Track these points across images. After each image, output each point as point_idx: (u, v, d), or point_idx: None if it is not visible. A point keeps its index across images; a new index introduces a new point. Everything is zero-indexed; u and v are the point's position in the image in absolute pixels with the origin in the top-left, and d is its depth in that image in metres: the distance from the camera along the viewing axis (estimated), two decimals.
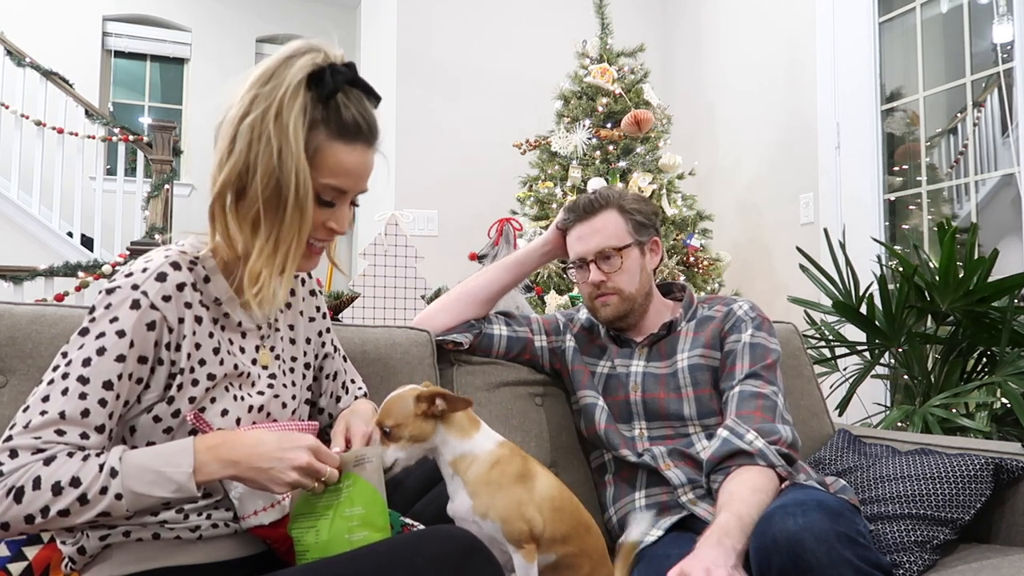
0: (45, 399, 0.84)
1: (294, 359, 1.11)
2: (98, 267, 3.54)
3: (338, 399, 1.23)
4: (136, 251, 3.58)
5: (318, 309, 1.19)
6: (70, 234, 4.47)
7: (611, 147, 3.03)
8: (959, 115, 2.92)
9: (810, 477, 1.28)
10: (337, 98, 0.93)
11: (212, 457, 0.86)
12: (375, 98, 0.99)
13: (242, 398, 0.99)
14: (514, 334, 1.53)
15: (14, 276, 3.52)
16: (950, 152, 3.00)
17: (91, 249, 4.43)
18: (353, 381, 1.26)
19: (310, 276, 1.18)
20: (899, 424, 2.07)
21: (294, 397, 1.08)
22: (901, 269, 2.15)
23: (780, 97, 3.48)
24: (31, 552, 1.00)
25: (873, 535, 1.28)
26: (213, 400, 0.95)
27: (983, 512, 1.36)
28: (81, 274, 3.52)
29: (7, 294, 3.49)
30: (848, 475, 1.47)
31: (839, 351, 2.45)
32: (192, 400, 0.94)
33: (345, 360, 1.26)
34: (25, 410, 0.84)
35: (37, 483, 0.80)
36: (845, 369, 2.47)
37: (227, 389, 0.97)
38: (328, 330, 1.21)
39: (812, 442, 1.67)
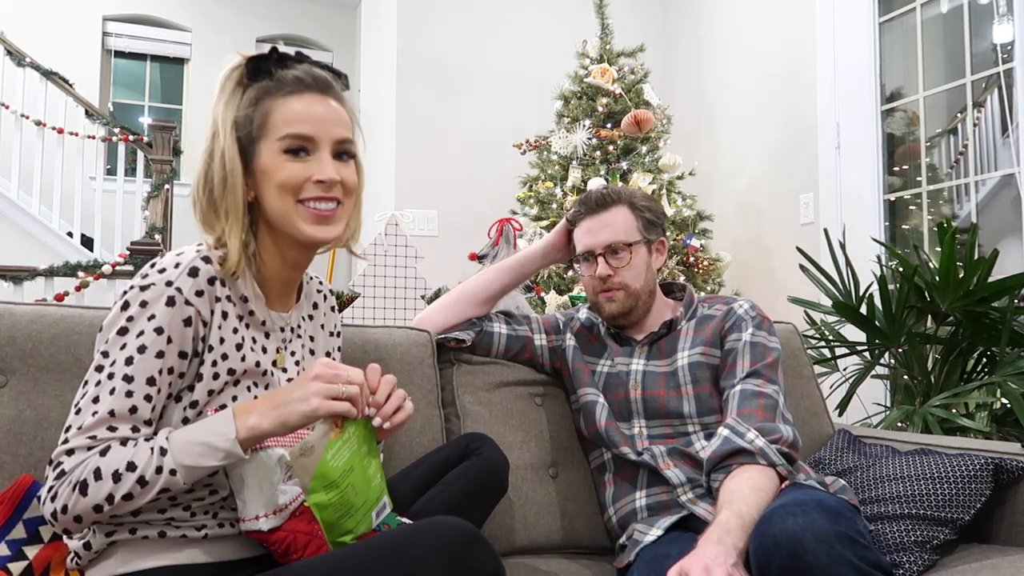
0: (95, 400, 0.89)
1: None
2: (98, 267, 3.54)
3: None
4: (136, 251, 3.58)
5: (335, 326, 1.21)
6: (70, 234, 4.47)
7: (611, 147, 3.03)
8: (959, 115, 2.92)
9: (810, 477, 1.28)
10: (276, 72, 0.99)
11: (248, 412, 0.90)
12: (337, 76, 1.05)
13: None
14: (514, 333, 1.54)
15: (14, 276, 3.51)
16: (950, 152, 3.00)
17: (91, 249, 4.42)
18: None
19: (332, 292, 1.21)
20: (899, 424, 2.07)
21: None
22: (901, 269, 2.15)
23: (780, 97, 3.48)
24: (31, 552, 1.00)
25: (873, 535, 1.28)
26: (234, 398, 0.97)
27: (983, 512, 1.36)
28: (81, 274, 3.51)
29: (7, 294, 3.48)
30: (848, 475, 1.47)
31: (839, 351, 2.44)
32: (210, 393, 0.95)
33: None
34: (78, 412, 0.89)
35: (98, 474, 0.85)
36: (845, 369, 2.47)
37: (248, 389, 0.99)
38: (339, 349, 1.23)
39: (812, 442, 1.67)
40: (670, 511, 1.30)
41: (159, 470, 0.85)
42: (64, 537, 0.96)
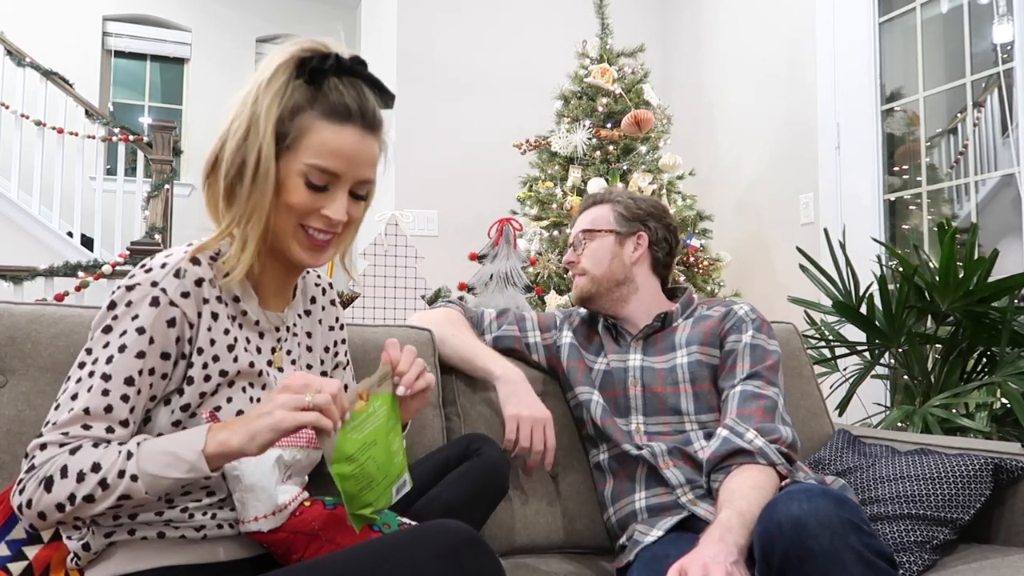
0: (73, 397, 0.88)
1: (309, 367, 1.11)
2: (98, 267, 3.54)
3: None
4: (136, 251, 3.58)
5: (336, 319, 1.20)
6: (70, 234, 4.47)
7: (611, 147, 3.03)
8: (959, 115, 2.92)
9: (809, 477, 1.28)
10: (329, 82, 0.94)
11: (222, 428, 0.87)
12: (383, 93, 1.00)
13: (258, 400, 0.99)
14: (502, 334, 1.57)
15: (14, 276, 3.52)
16: (950, 152, 3.00)
17: (91, 249, 4.43)
18: None
19: (331, 286, 1.20)
20: (899, 424, 2.07)
21: None
22: (901, 269, 2.15)
23: (780, 97, 3.48)
24: (31, 552, 1.00)
25: None
26: (229, 400, 0.96)
27: (983, 512, 1.36)
28: (81, 274, 3.52)
29: (7, 294, 3.49)
30: (848, 475, 1.47)
31: (839, 351, 2.44)
32: (202, 395, 0.94)
33: (352, 374, 1.26)
34: (56, 408, 0.88)
35: (64, 472, 0.84)
36: (845, 369, 2.47)
37: (244, 391, 0.98)
38: (344, 341, 1.21)
39: (812, 442, 1.67)
40: (671, 512, 1.30)
41: (121, 474, 0.83)
42: (64, 537, 0.96)
